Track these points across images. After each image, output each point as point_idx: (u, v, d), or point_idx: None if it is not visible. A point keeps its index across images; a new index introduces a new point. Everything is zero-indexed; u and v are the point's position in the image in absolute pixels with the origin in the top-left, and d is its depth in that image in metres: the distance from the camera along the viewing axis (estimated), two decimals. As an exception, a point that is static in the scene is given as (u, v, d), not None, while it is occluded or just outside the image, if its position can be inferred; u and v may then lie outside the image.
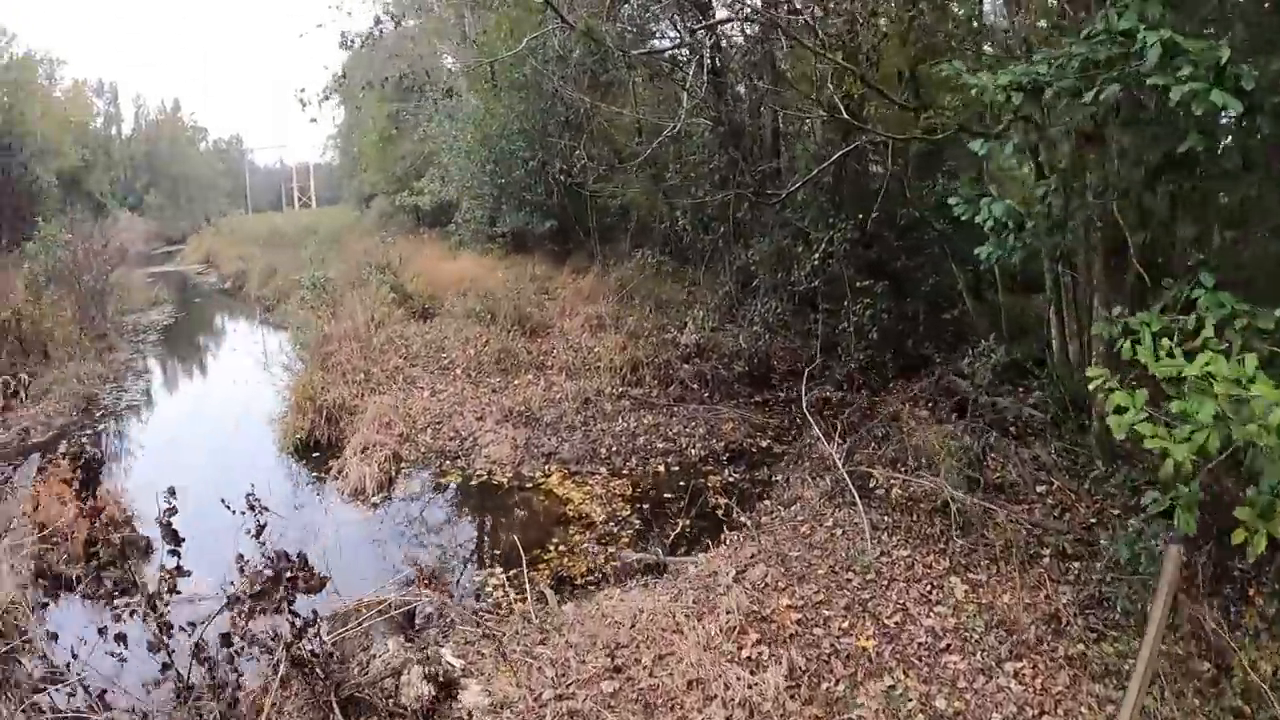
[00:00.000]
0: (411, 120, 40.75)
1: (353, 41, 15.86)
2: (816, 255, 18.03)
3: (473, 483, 14.92)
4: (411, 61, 33.49)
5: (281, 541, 8.30)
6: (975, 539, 10.66)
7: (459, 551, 12.89)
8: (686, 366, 18.64)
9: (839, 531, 11.34)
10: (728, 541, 11.69)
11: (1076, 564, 10.15)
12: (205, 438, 18.42)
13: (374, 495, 14.37)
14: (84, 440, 16.52)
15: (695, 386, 18.24)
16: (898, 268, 19.08)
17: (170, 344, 31.62)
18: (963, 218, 8.88)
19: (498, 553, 12.34)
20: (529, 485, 14.63)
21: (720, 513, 13.20)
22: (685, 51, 21.86)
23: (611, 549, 12.23)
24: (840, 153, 15.96)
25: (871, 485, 12.11)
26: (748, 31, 20.91)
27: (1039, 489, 11.99)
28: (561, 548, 12.41)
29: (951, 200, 9.01)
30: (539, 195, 28.77)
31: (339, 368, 18.92)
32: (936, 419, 15.88)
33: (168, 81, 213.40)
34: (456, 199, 34.60)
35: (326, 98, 15.43)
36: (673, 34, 20.81)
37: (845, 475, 12.25)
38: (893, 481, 11.94)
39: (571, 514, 13.49)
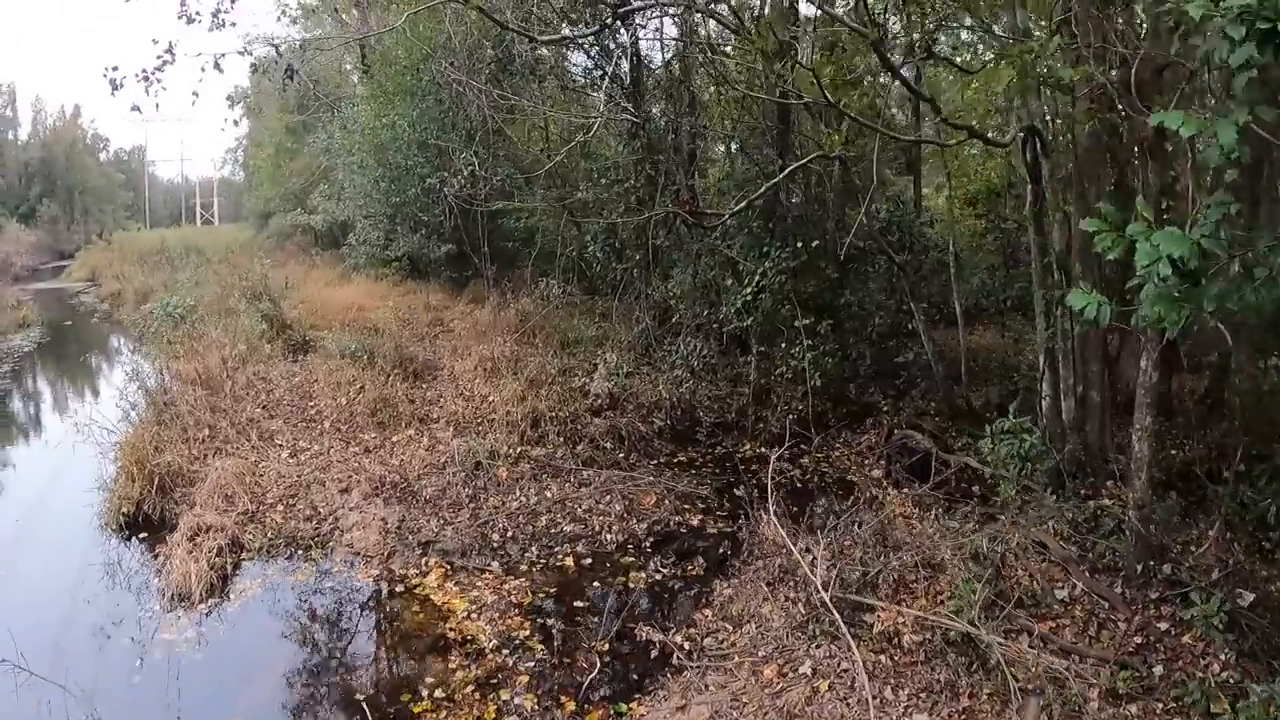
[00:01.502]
0: (309, 133, 38.44)
1: (196, 16, 13.02)
2: (748, 289, 15.84)
3: (328, 584, 11.78)
4: (311, 70, 31.28)
5: None
6: (999, 683, 8.04)
7: (293, 699, 9.62)
8: (597, 421, 16.04)
9: (823, 685, 8.51)
10: (665, 690, 8.95)
11: (1134, 708, 7.80)
12: (25, 507, 15.07)
13: (202, 601, 11.10)
14: None
15: (608, 445, 15.61)
16: (840, 304, 16.75)
17: (22, 376, 28.23)
18: (1110, 255, 5.80)
19: (348, 702, 9.28)
20: (400, 589, 11.49)
21: (646, 635, 10.12)
22: (599, 63, 20.46)
23: (505, 694, 9.13)
24: (793, 166, 13.67)
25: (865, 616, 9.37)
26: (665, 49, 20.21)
27: (1058, 594, 9.44)
28: (438, 692, 9.20)
29: (1089, 227, 5.99)
30: (436, 216, 26.36)
31: (179, 420, 15.76)
32: (893, 481, 14.06)
33: (69, 86, 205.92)
34: (350, 219, 32.04)
35: (153, 80, 12.48)
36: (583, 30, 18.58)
37: (827, 600, 9.40)
38: (896, 613, 9.14)
39: (453, 635, 10.32)
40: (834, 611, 9.21)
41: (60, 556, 12.84)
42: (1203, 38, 5.64)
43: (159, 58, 12.77)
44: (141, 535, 13.20)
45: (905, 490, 13.32)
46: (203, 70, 13.67)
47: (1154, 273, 5.23)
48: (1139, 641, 8.68)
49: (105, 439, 15.25)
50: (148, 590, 11.66)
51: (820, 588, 9.57)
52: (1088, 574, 9.75)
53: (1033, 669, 8.14)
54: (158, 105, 13.25)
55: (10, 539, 13.52)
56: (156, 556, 12.33)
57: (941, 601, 9.35)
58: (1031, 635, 8.75)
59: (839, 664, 8.75)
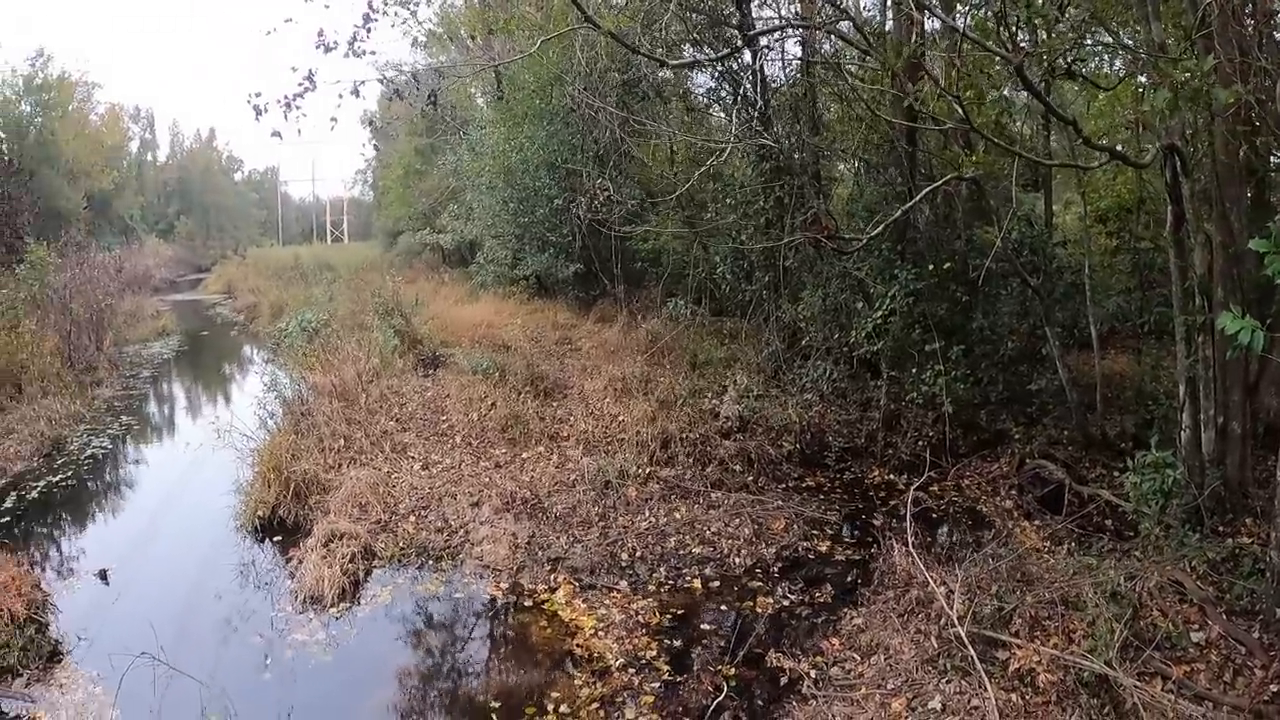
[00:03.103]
0: (438, 155, 39.17)
1: (333, 44, 13.39)
2: (879, 312, 15.60)
3: (458, 594, 11.93)
4: (441, 95, 31.95)
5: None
6: (1134, 731, 7.77)
7: (418, 705, 9.83)
8: (727, 443, 15.86)
9: None
10: (789, 717, 8.82)
11: None
12: (162, 504, 16.00)
13: (333, 605, 11.37)
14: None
15: (737, 468, 15.41)
16: (971, 327, 16.41)
17: (163, 382, 29.31)
18: (1279, 278, 5.69)
19: (472, 712, 9.43)
20: (528, 603, 11.53)
21: (775, 663, 9.91)
22: (725, 86, 20.71)
23: (630, 713, 9.10)
24: (928, 189, 13.52)
25: (997, 653, 9.10)
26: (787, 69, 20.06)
27: (1194, 636, 9.09)
28: (563, 708, 9.22)
29: (1259, 247, 5.86)
30: (564, 236, 26.67)
31: (315, 430, 16.19)
32: (1024, 512, 13.58)
33: (205, 110, 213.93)
34: (479, 238, 32.55)
35: (294, 106, 12.85)
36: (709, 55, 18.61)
37: (962, 634, 9.18)
38: (1032, 651, 8.87)
39: (579, 651, 10.33)
40: (968, 646, 8.96)
41: (197, 555, 13.32)
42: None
43: (300, 84, 13.13)
44: (276, 539, 13.66)
45: (1038, 523, 12.96)
46: (340, 96, 14.05)
47: None
48: (1275, 690, 8.28)
49: (243, 445, 15.71)
50: (280, 591, 12.01)
51: (955, 621, 9.35)
52: (1225, 616, 9.34)
53: (1168, 714, 7.83)
54: (300, 130, 13.63)
55: (150, 536, 14.20)
56: (289, 560, 12.69)
57: (1076, 640, 9.06)
58: (1167, 680, 8.40)
59: (969, 701, 8.52)
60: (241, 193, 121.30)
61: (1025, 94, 13.11)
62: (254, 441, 15.84)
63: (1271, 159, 12.74)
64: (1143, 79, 12.59)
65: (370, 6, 12.80)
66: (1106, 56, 15.73)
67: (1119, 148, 13.18)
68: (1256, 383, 12.61)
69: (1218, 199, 11.49)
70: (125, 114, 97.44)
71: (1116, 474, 12.91)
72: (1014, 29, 10.63)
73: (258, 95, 13.12)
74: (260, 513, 14.08)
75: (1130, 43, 13.47)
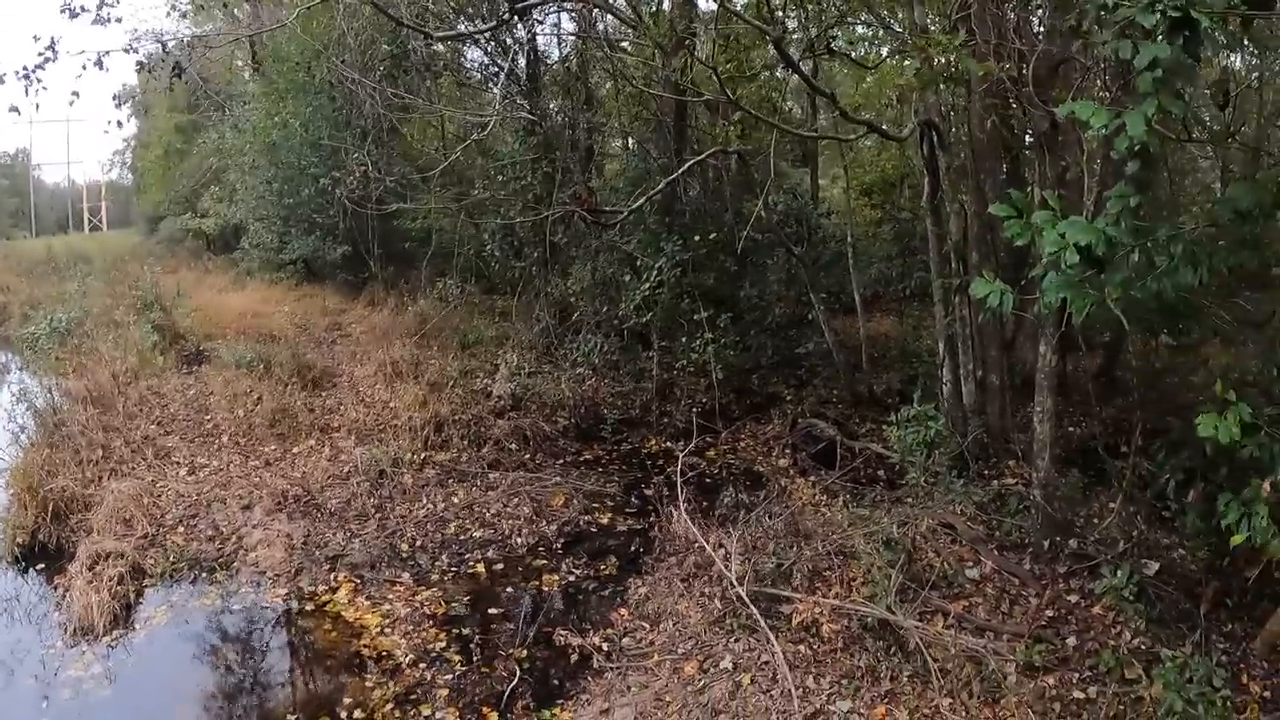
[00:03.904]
0: (200, 133, 37.52)
1: (79, 10, 12.57)
2: (647, 284, 15.74)
3: (236, 606, 11.30)
4: (201, 68, 30.54)
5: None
6: (919, 665, 8.16)
7: None
8: (501, 422, 15.77)
9: (745, 679, 8.50)
10: (587, 694, 8.85)
11: (1051, 679, 7.99)
12: None
13: (106, 633, 10.54)
14: None
15: (513, 446, 15.36)
16: (739, 296, 16.76)
17: (-99, 398, 27.16)
18: (1019, 241, 5.93)
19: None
20: (310, 607, 11.10)
21: (566, 641, 9.92)
22: (496, 60, 20.49)
23: (426, 710, 8.91)
24: (691, 161, 13.70)
25: (781, 607, 9.39)
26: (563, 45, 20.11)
27: (969, 574, 9.61)
28: (357, 712, 8.93)
29: (999, 212, 6.05)
30: (331, 218, 25.78)
31: (71, 441, 15.22)
32: (799, 470, 14.09)
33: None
34: (243, 221, 31.36)
35: (34, 79, 12.01)
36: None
37: (743, 594, 9.39)
38: (813, 603, 9.19)
39: (368, 652, 10.03)
40: (750, 605, 9.21)
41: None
42: (1105, 35, 5.78)
43: (40, 54, 12.26)
44: (39, 566, 12.45)
45: (813, 479, 13.38)
46: (84, 68, 13.12)
47: (1061, 260, 5.36)
48: (1051, 615, 8.92)
49: (6, 459, 14.66)
50: (49, 625, 11.03)
51: (735, 582, 9.58)
52: (997, 553, 10.00)
53: (950, 649, 8.26)
54: (38, 105, 12.71)
55: None
56: (56, 588, 11.70)
57: (856, 588, 9.45)
58: (947, 616, 8.93)
59: (759, 657, 8.74)
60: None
61: (794, 74, 13.48)
62: (6, 460, 14.74)
63: (1027, 137, 13.42)
64: (907, 62, 13.10)
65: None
66: (873, 41, 16.21)
67: (879, 124, 13.70)
68: (1013, 338, 13.42)
69: (973, 171, 12.19)
70: None
71: (885, 428, 13.46)
72: (776, 9, 10.91)
73: (-19, 64, 12.14)
74: (19, 540, 12.80)
75: (893, 25, 14.01)
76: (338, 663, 9.93)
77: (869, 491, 12.25)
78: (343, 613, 10.86)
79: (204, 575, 12.00)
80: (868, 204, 21.70)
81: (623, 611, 10.34)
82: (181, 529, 13.05)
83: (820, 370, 16.89)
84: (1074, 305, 5.75)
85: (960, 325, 12.26)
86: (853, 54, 15.10)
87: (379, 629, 10.42)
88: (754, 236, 16.37)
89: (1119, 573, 8.57)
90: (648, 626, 9.88)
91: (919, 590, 9.24)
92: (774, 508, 11.40)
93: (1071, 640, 8.44)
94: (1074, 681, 7.93)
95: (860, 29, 16.06)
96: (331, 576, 11.68)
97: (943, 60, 9.91)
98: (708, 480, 14.20)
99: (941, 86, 11.29)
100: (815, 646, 8.76)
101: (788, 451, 14.85)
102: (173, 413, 17.25)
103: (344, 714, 8.89)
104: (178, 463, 15.14)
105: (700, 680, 8.64)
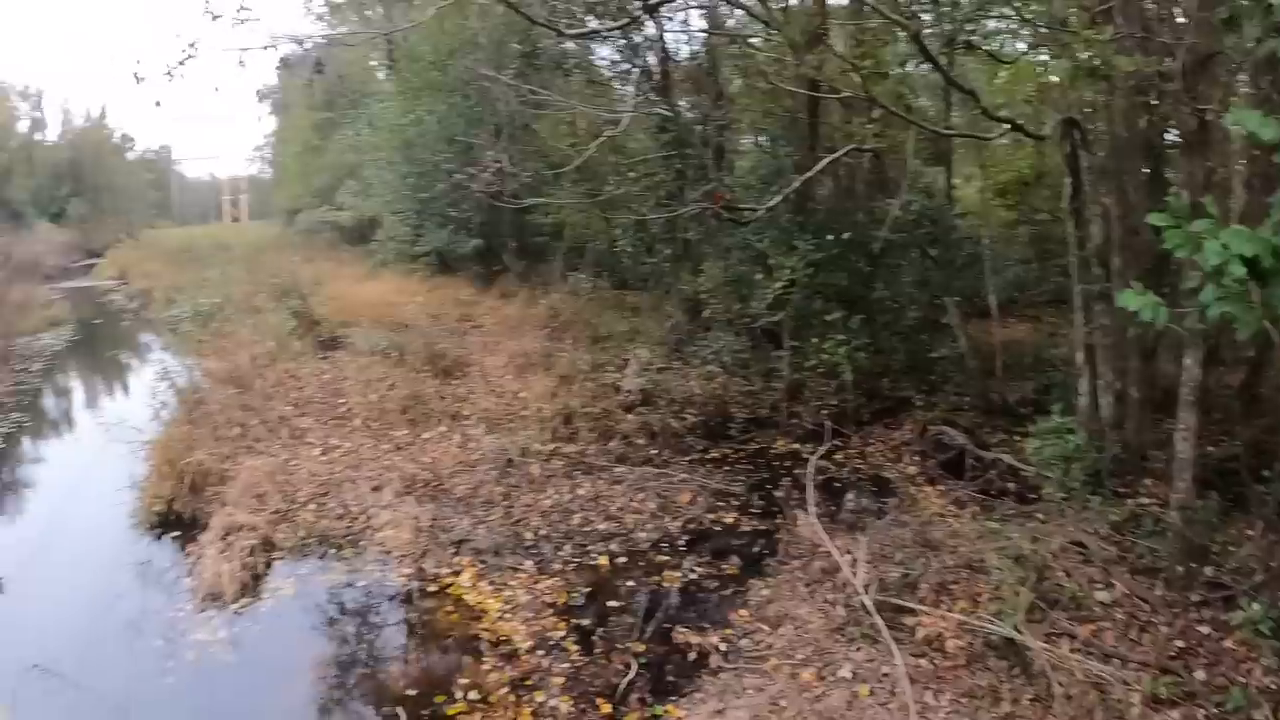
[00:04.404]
0: (336, 130, 38.61)
1: (218, 13, 12.99)
2: (779, 283, 15.52)
3: (360, 583, 11.56)
4: (337, 67, 31.51)
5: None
6: (1042, 688, 7.86)
7: (325, 699, 9.40)
8: (630, 417, 15.78)
9: (863, 690, 8.28)
10: (701, 693, 8.68)
11: (1176, 714, 7.57)
12: (58, 504, 15.16)
13: (234, 601, 10.95)
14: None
15: (641, 441, 15.33)
16: (871, 297, 16.47)
17: (56, 375, 28.35)
18: (1181, 252, 5.58)
19: (381, 703, 9.14)
20: (432, 589, 11.25)
21: (684, 638, 9.73)
22: (626, 57, 20.57)
23: (540, 696, 8.88)
24: (827, 160, 13.47)
25: (904, 619, 9.12)
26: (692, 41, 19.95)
27: (1099, 596, 9.18)
28: (472, 694, 8.96)
29: (1157, 221, 5.75)
30: (464, 212, 26.22)
31: (210, 419, 15.77)
32: (927, 478, 13.51)
33: (96, 90, 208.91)
34: (378, 215, 32.10)
35: (176, 75, 12.57)
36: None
37: (868, 603, 9.19)
38: (939, 617, 8.92)
39: (486, 635, 10.09)
40: (875, 614, 8.99)
41: (92, 554, 12.77)
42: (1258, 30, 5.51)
43: (183, 52, 12.73)
44: (174, 534, 13.04)
45: (941, 488, 12.96)
46: (227, 66, 13.61)
47: (1224, 272, 5.03)
48: (1181, 645, 8.40)
49: (136, 438, 15.17)
50: (179, 590, 11.49)
51: (861, 589, 9.36)
52: (1129, 576, 9.49)
53: (1076, 674, 7.90)
54: (180, 101, 13.26)
55: (45, 538, 13.51)
56: (188, 556, 12.18)
57: (982, 604, 9.12)
58: (1074, 639, 8.50)
59: (879, 668, 8.50)
60: (135, 172, 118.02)
61: (928, 68, 13.14)
62: (147, 434, 15.31)
63: (1169, 135, 12.90)
64: (1045, 56, 12.68)
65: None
66: (1009, 35, 15.79)
67: (1019, 121, 13.26)
68: (1154, 349, 12.85)
69: (1115, 172, 11.65)
70: (13, 93, 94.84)
71: (1017, 439, 13.07)
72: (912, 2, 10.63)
73: (138, 63, 12.75)
74: (156, 509, 13.50)
75: (1032, 18, 13.58)
76: (456, 644, 10.00)
77: (999, 504, 11.84)
78: (464, 596, 10.95)
79: (332, 552, 12.29)
80: (1002, 204, 21.13)
81: (742, 612, 10.12)
82: (312, 506, 13.37)
83: (952, 376, 16.45)
84: (1240, 323, 5.42)
85: (1101, 334, 11.81)
86: (987, 48, 14.72)
87: (499, 614, 10.44)
88: (888, 237, 16.07)
89: (1256, 605, 8.06)
90: (767, 629, 9.66)
91: (1047, 610, 8.85)
92: (903, 516, 11.15)
93: (1200, 674, 7.95)
94: (1199, 718, 7.48)
95: (993, 23, 15.65)
96: (455, 560, 11.77)
97: (1085, 55, 9.55)
98: (836, 484, 13.85)
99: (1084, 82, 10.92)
100: (937, 662, 8.49)
101: (916, 458, 14.42)
102: (308, 395, 17.77)
103: (459, 694, 8.93)
104: (311, 443, 15.54)
105: (817, 688, 8.42)
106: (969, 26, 13.95)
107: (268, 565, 11.89)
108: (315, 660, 10.00)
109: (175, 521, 13.35)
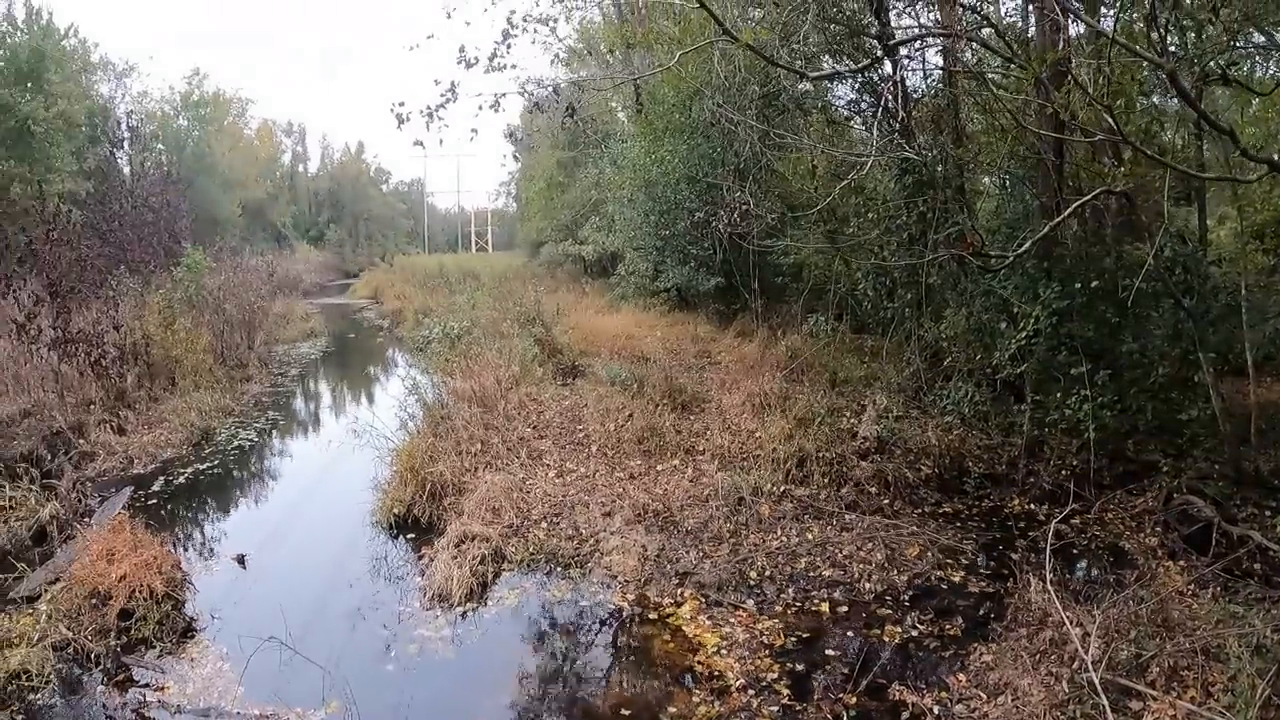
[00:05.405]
0: (579, 168, 39.95)
1: (473, 60, 13.79)
2: (1023, 333, 15.08)
3: (584, 602, 11.94)
4: (581, 108, 32.61)
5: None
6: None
7: (535, 710, 9.76)
8: (863, 464, 15.50)
9: None
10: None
11: None
12: (302, 496, 16.93)
13: (460, 604, 11.63)
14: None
15: (873, 490, 15.07)
16: (1121, 351, 15.76)
17: (309, 380, 30.42)
18: None
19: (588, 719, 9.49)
20: (653, 616, 11.44)
21: (899, 696, 9.58)
22: (866, 98, 20.22)
23: (745, 737, 9.00)
24: (1077, 203, 13.10)
25: (1130, 702, 8.62)
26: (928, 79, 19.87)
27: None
28: None
29: None
30: (705, 250, 26.74)
31: (453, 434, 16.57)
32: (1168, 552, 12.79)
33: (355, 127, 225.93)
34: (620, 250, 32.99)
35: (435, 117, 13.51)
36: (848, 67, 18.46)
37: (1096, 681, 8.61)
38: (1169, 704, 8.40)
39: (700, 668, 10.20)
40: (1101, 694, 8.45)
41: (332, 547, 13.87)
42: None
43: (442, 95, 13.59)
44: (409, 536, 14.06)
45: (1182, 563, 12.21)
46: (480, 109, 14.56)
47: None
48: None
49: (382, 444, 16.24)
50: (409, 587, 12.34)
51: (1089, 666, 8.86)
52: None
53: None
54: (441, 140, 14.11)
55: (288, 526, 14.86)
56: (420, 557, 13.08)
57: (1215, 694, 8.54)
58: None
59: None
60: (389, 203, 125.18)
61: (1175, 101, 12.56)
62: (393, 442, 16.35)
63: None
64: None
65: (510, 24, 13.12)
66: (1260, 59, 14.97)
67: (1276, 157, 12.43)
68: None
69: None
70: (278, 128, 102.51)
71: (1269, 514, 12.35)
72: (1163, 31, 10.15)
73: (400, 105, 13.72)
74: (395, 510, 14.56)
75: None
76: (669, 674, 10.13)
77: (1244, 586, 10.96)
78: (683, 627, 11.07)
79: (559, 569, 12.74)
80: (1259, 248, 19.75)
81: (961, 677, 9.81)
82: (544, 525, 13.93)
83: (1202, 440, 15.33)
84: None
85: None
86: (1239, 78, 13.93)
87: (715, 649, 10.52)
88: (1138, 286, 15.41)
89: None
90: (984, 697, 9.33)
91: (1284, 708, 8.21)
92: (1140, 591, 10.57)
93: None
94: None
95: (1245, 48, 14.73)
96: (678, 591, 11.93)
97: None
98: (1071, 550, 13.27)
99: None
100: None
101: (1159, 530, 13.53)
102: (547, 420, 18.40)
103: (666, 722, 9.03)
104: (547, 465, 16.16)
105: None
106: (1224, 58, 13.24)
107: (496, 575, 12.47)
108: (530, 671, 10.44)
109: (412, 525, 14.35)
